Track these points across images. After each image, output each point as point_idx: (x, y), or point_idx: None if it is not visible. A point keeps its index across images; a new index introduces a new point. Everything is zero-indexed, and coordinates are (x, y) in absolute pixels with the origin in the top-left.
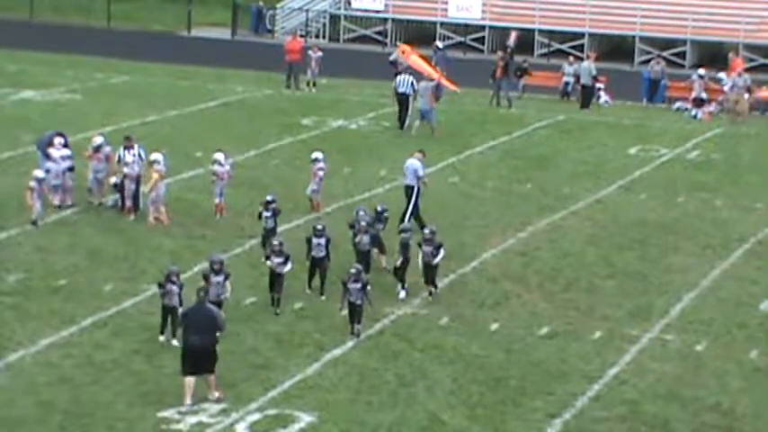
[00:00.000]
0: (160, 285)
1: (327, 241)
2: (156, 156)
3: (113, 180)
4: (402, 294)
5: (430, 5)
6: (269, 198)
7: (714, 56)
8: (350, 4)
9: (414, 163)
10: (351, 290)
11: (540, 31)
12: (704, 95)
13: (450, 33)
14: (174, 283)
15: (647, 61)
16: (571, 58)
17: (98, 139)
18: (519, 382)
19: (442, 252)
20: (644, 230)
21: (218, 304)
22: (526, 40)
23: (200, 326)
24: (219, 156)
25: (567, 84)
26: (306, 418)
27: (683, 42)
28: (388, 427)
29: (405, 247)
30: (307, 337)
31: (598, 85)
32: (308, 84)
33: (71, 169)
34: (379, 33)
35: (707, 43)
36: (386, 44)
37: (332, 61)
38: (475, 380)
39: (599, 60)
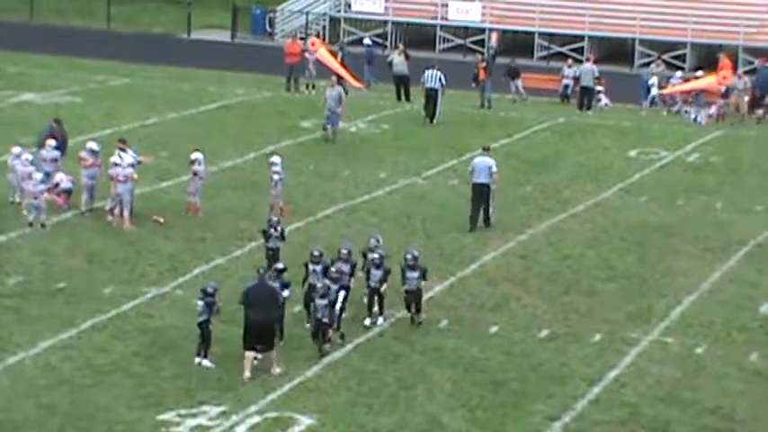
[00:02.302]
0: (206, 304)
1: (325, 269)
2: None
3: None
4: (379, 320)
5: (430, 8)
6: (275, 218)
7: (714, 59)
8: (350, 6)
9: (486, 160)
10: (317, 305)
11: (540, 33)
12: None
13: (449, 36)
14: (212, 296)
15: (647, 64)
16: (570, 61)
17: (95, 145)
18: (519, 385)
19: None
20: (644, 233)
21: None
22: (525, 43)
23: (263, 302)
24: (198, 155)
25: (566, 86)
26: (306, 421)
27: (683, 45)
28: (388, 430)
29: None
30: (306, 339)
31: (598, 87)
32: (306, 86)
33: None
34: (378, 36)
35: (707, 46)
36: (385, 47)
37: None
38: (475, 383)
39: (598, 63)
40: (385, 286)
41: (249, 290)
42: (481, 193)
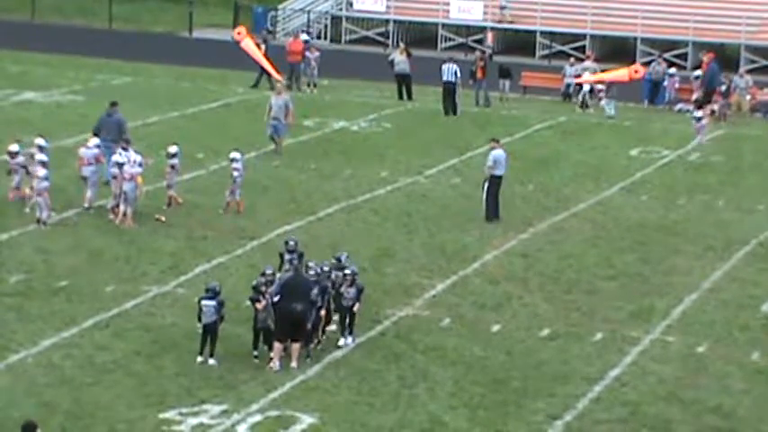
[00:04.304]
0: (218, 303)
1: (324, 290)
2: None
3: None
4: (348, 341)
5: (431, 7)
6: (292, 242)
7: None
8: (351, 5)
9: (503, 153)
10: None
11: (542, 32)
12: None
13: (451, 35)
14: (220, 294)
15: (649, 63)
16: (572, 60)
17: (98, 140)
18: (520, 384)
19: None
20: (645, 232)
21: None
22: (527, 41)
23: (300, 293)
24: (176, 149)
25: (568, 85)
26: (307, 420)
27: (685, 44)
28: (389, 429)
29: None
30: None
31: (599, 86)
32: (307, 85)
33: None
34: (380, 35)
35: (708, 45)
36: (387, 45)
37: (333, 63)
38: (476, 381)
39: (599, 62)
40: (357, 305)
41: (286, 281)
42: (499, 186)
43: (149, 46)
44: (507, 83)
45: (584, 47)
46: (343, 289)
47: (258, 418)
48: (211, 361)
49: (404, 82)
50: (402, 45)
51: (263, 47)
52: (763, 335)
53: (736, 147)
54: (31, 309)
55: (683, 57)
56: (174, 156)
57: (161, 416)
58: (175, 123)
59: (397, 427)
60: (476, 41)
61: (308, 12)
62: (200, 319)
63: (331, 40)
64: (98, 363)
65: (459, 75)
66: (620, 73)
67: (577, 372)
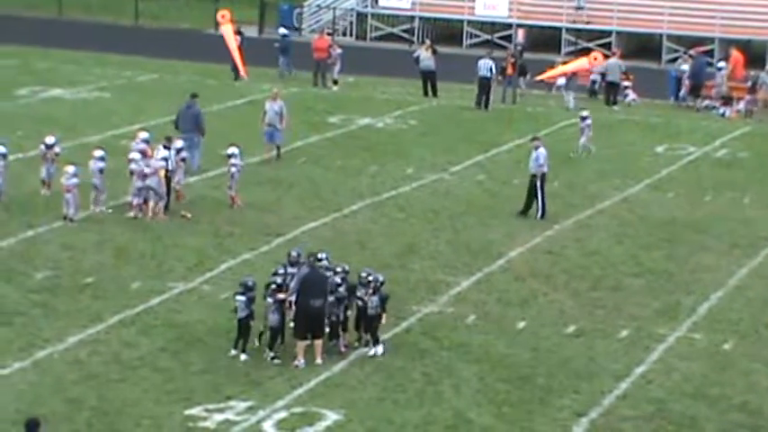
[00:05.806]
0: (249, 299)
1: (352, 290)
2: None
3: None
4: (378, 350)
5: (457, 3)
6: (294, 252)
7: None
8: (377, 2)
9: (544, 150)
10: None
11: (568, 29)
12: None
13: (476, 31)
14: (253, 290)
15: (675, 59)
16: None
17: (146, 134)
18: (546, 381)
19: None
20: (671, 229)
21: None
22: (552, 38)
23: (320, 289)
24: (181, 143)
25: (594, 82)
26: (332, 416)
27: (711, 40)
28: (414, 426)
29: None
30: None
31: (626, 83)
32: (333, 81)
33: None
34: (406, 32)
35: (735, 41)
36: (413, 42)
37: (359, 59)
38: (501, 378)
39: (624, 58)
40: (384, 316)
41: (304, 278)
42: (544, 183)
43: (175, 43)
44: (523, 79)
45: (610, 43)
46: (366, 297)
47: (283, 414)
48: (243, 356)
49: (429, 79)
50: (427, 42)
51: (238, 38)
52: None
53: (763, 143)
54: (58, 305)
55: (710, 53)
56: (181, 150)
57: (187, 412)
58: None
59: (422, 423)
60: (501, 38)
61: (334, 8)
62: (236, 313)
63: (356, 37)
64: (124, 359)
65: (494, 71)
66: (581, 62)
67: (603, 369)
